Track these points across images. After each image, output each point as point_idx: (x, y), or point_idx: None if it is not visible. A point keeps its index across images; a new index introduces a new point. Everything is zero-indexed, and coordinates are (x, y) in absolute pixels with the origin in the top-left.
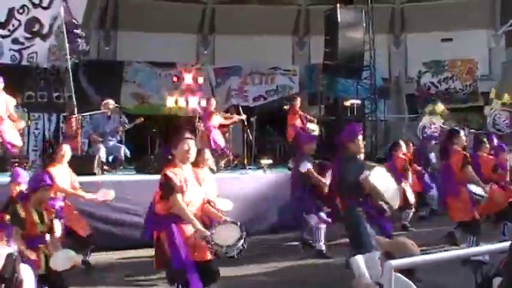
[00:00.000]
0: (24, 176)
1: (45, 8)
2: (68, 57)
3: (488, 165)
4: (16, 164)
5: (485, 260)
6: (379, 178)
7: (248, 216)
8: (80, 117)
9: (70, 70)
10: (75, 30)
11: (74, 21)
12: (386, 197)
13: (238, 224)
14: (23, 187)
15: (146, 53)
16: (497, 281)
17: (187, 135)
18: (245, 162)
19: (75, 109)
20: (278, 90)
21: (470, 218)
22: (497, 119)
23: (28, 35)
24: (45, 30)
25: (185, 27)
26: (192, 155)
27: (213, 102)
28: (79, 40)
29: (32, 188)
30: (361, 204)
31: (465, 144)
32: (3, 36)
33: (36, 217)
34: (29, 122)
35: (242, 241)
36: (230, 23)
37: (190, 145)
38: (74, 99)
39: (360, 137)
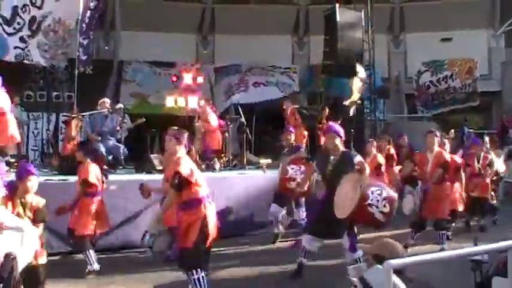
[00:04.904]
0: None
1: (39, 8)
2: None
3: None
4: (15, 164)
5: (485, 259)
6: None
7: (247, 215)
8: (81, 117)
9: (76, 74)
10: (80, 39)
11: (84, 29)
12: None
13: None
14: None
15: (146, 53)
16: (496, 280)
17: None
18: (244, 162)
19: (75, 109)
20: (278, 87)
21: None
22: None
23: (29, 33)
24: (34, 27)
25: (185, 26)
26: None
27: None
28: (80, 49)
29: (19, 178)
30: None
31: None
32: (9, 34)
33: (21, 209)
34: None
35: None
36: (230, 23)
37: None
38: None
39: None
